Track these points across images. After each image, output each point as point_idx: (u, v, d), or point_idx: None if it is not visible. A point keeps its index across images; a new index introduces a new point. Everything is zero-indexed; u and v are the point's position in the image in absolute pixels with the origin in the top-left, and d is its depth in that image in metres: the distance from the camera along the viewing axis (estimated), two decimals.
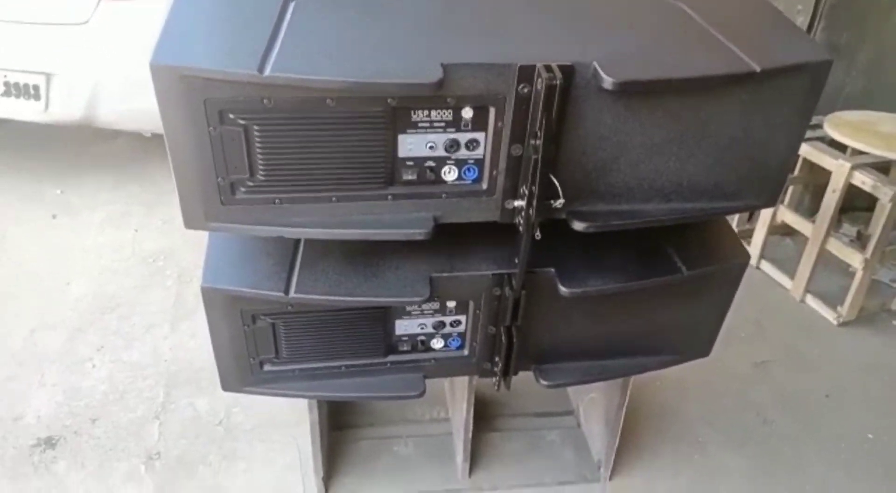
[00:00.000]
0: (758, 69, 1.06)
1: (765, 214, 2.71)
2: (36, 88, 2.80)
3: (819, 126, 2.51)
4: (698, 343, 1.51)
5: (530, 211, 1.12)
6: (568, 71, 1.02)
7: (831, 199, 2.39)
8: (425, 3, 1.19)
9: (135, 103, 2.79)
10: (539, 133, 1.05)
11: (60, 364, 2.17)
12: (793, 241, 2.90)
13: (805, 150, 2.47)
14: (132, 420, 1.97)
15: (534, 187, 1.10)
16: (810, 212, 2.74)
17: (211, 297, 1.23)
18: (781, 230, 2.84)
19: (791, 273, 2.62)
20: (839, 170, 2.34)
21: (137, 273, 2.62)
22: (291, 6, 1.10)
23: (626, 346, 1.46)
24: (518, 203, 1.15)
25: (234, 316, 1.27)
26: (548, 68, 1.01)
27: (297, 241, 1.28)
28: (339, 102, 1.01)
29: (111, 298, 2.48)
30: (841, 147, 2.45)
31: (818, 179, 2.62)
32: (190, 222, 1.12)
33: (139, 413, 1.99)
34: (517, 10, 1.19)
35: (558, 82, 1.00)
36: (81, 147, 3.47)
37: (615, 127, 1.09)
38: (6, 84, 2.79)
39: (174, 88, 0.97)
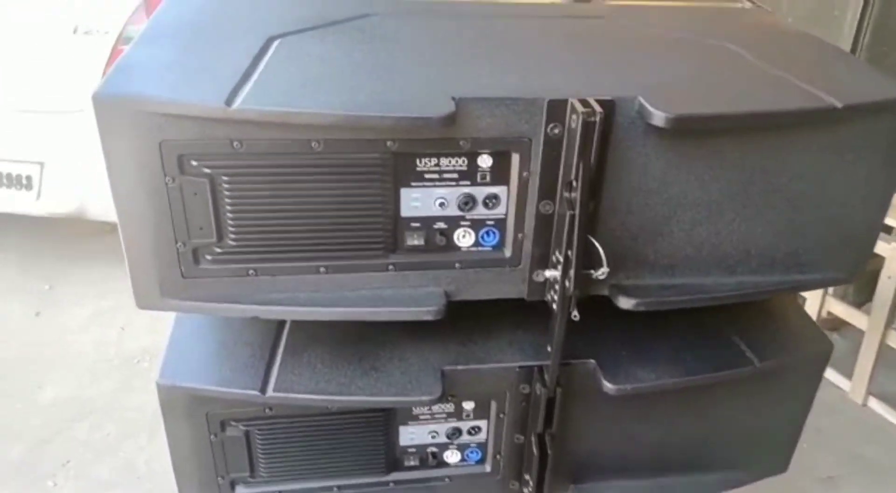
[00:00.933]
0: (839, 105, 0.87)
1: (810, 307, 2.45)
2: (29, 178, 2.69)
3: None
4: (772, 455, 1.22)
5: (566, 284, 0.90)
6: (608, 106, 0.82)
7: (887, 286, 2.14)
8: (434, 34, 1.03)
9: None
10: (576, 184, 0.84)
11: (18, 481, 1.88)
12: (841, 336, 2.62)
13: None
14: None
15: (570, 253, 0.88)
16: (858, 302, 2.48)
17: (169, 397, 0.99)
18: (829, 325, 2.57)
19: (847, 372, 2.32)
20: (893, 254, 2.12)
21: (118, 376, 2.37)
22: (275, 43, 0.94)
23: (683, 459, 1.18)
24: (550, 274, 0.93)
25: (198, 422, 1.02)
26: (584, 103, 0.82)
27: (279, 325, 1.05)
28: (326, 146, 0.82)
29: (86, 403, 2.22)
30: (888, 228, 2.23)
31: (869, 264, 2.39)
32: (143, 301, 0.90)
33: None
34: (541, 44, 1.02)
35: (598, 119, 0.80)
36: (73, 240, 3.33)
37: (666, 178, 0.89)
38: None
39: (122, 127, 0.78)
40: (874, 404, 2.25)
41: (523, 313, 1.02)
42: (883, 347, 2.20)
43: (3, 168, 2.65)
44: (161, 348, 2.72)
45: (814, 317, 2.42)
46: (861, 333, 2.27)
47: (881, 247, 2.17)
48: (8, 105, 2.58)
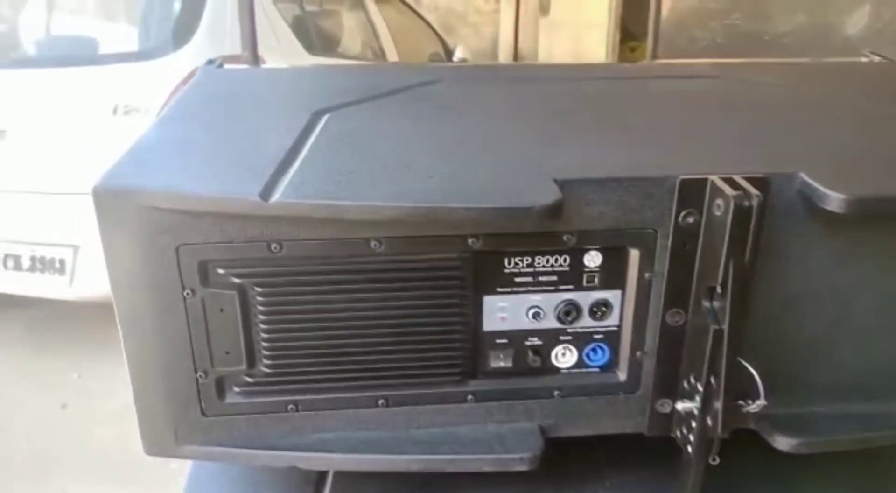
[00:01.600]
0: None
1: None
2: (62, 261, 2.58)
3: None
4: None
5: (707, 421, 0.67)
6: (763, 185, 0.62)
7: None
8: (513, 102, 0.85)
9: None
10: (723, 289, 0.63)
11: None
12: None
13: None
14: None
15: (713, 381, 0.65)
16: None
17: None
18: None
19: None
20: None
21: (143, 477, 2.16)
22: (323, 119, 0.77)
23: None
24: (682, 406, 0.70)
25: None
26: (731, 183, 0.61)
27: (319, 475, 0.84)
28: (389, 246, 0.63)
29: None
30: None
31: None
32: (153, 446, 0.71)
33: None
34: (648, 110, 0.83)
35: (755, 203, 0.59)
36: (105, 328, 3.20)
37: (837, 277, 0.67)
38: (32, 259, 2.58)
39: (129, 227, 0.61)
40: None
41: (637, 453, 0.79)
42: None
43: (37, 252, 2.56)
44: None
45: None
46: None
47: None
48: (44, 187, 2.51)
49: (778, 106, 0.86)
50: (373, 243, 0.63)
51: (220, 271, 0.63)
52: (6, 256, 2.62)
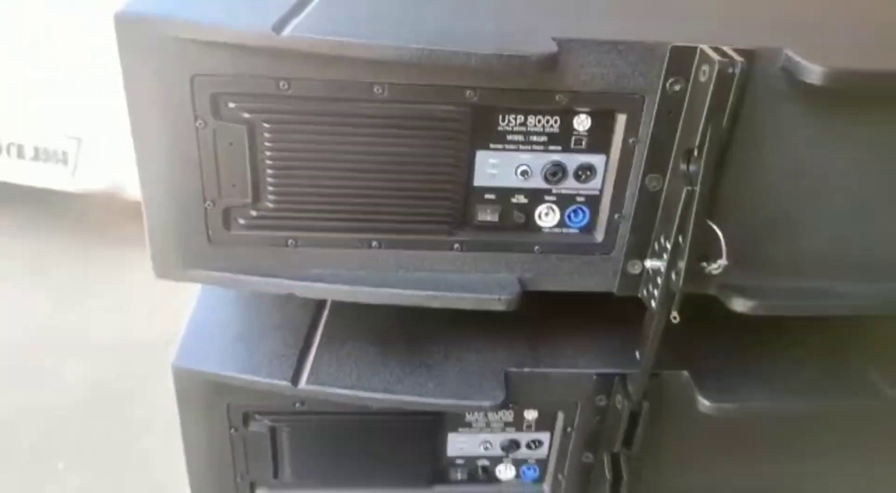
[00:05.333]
0: None
1: None
2: (65, 153, 2.62)
3: None
4: None
5: (672, 277, 0.73)
6: (749, 56, 0.65)
7: None
8: None
9: None
10: (699, 152, 0.67)
11: (26, 472, 1.78)
12: None
13: None
14: None
15: (682, 239, 0.71)
16: None
17: (186, 383, 0.85)
18: None
19: None
20: None
21: (142, 361, 2.25)
22: None
23: None
24: (651, 264, 0.76)
25: (217, 413, 0.88)
26: (719, 51, 0.65)
27: (318, 307, 0.91)
28: (391, 92, 0.67)
29: (105, 388, 2.11)
30: None
31: None
32: (162, 270, 0.77)
33: None
34: None
35: (738, 71, 0.63)
36: (108, 222, 3.26)
37: (812, 152, 0.71)
38: (35, 149, 2.62)
39: (148, 55, 0.65)
40: None
41: (606, 313, 0.86)
42: None
43: (39, 142, 2.58)
44: None
45: None
46: None
47: None
48: (46, 79, 2.51)
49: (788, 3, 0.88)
50: (376, 88, 0.67)
51: (231, 105, 0.67)
52: (10, 144, 2.65)
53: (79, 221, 3.21)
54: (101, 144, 2.62)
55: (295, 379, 0.83)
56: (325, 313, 0.91)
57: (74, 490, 1.70)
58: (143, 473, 1.77)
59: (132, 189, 2.68)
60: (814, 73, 0.64)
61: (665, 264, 0.73)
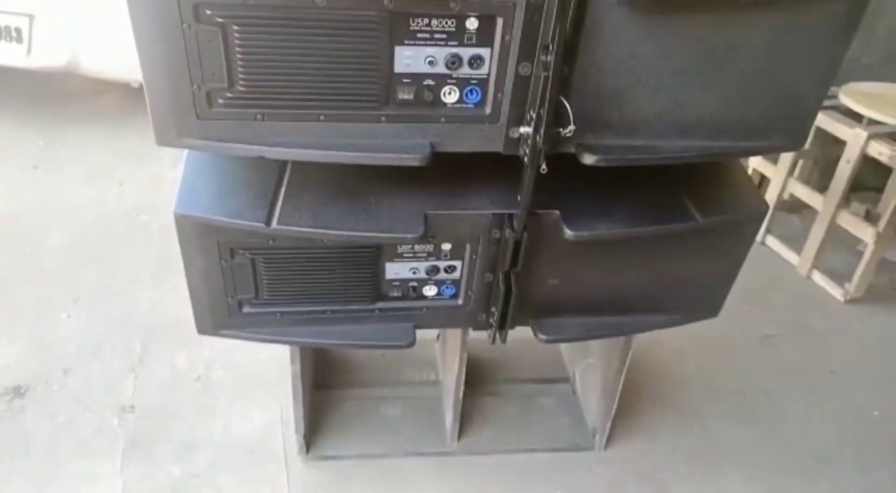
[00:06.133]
0: None
1: (773, 188, 2.61)
2: (18, 30, 2.68)
3: (834, 96, 2.41)
4: (708, 301, 1.41)
5: (537, 138, 1.02)
6: None
7: (845, 170, 2.29)
8: None
9: (121, 51, 2.67)
10: (551, 47, 0.94)
11: (34, 314, 2.07)
12: (799, 218, 2.81)
13: (819, 119, 2.37)
14: (107, 373, 1.87)
15: (542, 111, 0.99)
16: (820, 188, 2.64)
17: (185, 225, 1.13)
18: (788, 207, 2.75)
19: (797, 250, 2.53)
20: (855, 139, 2.25)
21: (119, 227, 2.51)
22: None
23: (632, 301, 1.36)
24: (524, 130, 1.05)
25: (210, 249, 1.17)
26: None
27: (282, 169, 1.18)
28: (328, 2, 0.91)
29: (91, 250, 2.37)
30: (856, 117, 2.35)
31: (829, 153, 2.52)
32: (162, 138, 1.01)
33: (114, 366, 1.90)
34: None
35: None
36: (67, 98, 3.35)
37: (635, 47, 0.99)
38: None
39: None
40: (817, 277, 2.47)
41: (499, 170, 1.15)
42: (832, 226, 2.38)
43: None
44: (158, 203, 2.87)
45: (775, 198, 2.59)
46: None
47: (844, 132, 2.30)
48: None
49: None
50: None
51: (208, 11, 0.90)
52: None
53: (36, 99, 3.30)
54: (53, 21, 2.67)
55: (268, 221, 1.11)
56: (287, 172, 1.18)
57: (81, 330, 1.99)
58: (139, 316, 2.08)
59: (88, 65, 2.78)
60: None
61: (532, 129, 1.02)
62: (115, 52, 2.70)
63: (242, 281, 1.22)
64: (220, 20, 0.91)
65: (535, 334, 1.34)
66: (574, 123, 1.01)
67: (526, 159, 1.06)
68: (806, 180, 2.73)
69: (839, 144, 2.33)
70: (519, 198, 1.14)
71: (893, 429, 1.90)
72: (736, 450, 1.79)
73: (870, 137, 2.20)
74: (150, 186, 2.75)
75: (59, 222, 2.50)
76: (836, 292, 2.39)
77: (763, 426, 1.87)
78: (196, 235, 1.14)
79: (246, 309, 1.26)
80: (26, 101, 3.30)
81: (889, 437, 1.87)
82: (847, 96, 2.35)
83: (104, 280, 2.23)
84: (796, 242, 2.56)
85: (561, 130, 1.02)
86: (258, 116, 1.00)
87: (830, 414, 1.93)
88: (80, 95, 3.37)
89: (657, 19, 0.97)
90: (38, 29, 2.69)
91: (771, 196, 2.61)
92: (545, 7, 0.94)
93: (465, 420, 1.74)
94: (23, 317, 2.04)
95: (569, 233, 1.16)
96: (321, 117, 1.01)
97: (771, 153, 2.53)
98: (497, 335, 1.34)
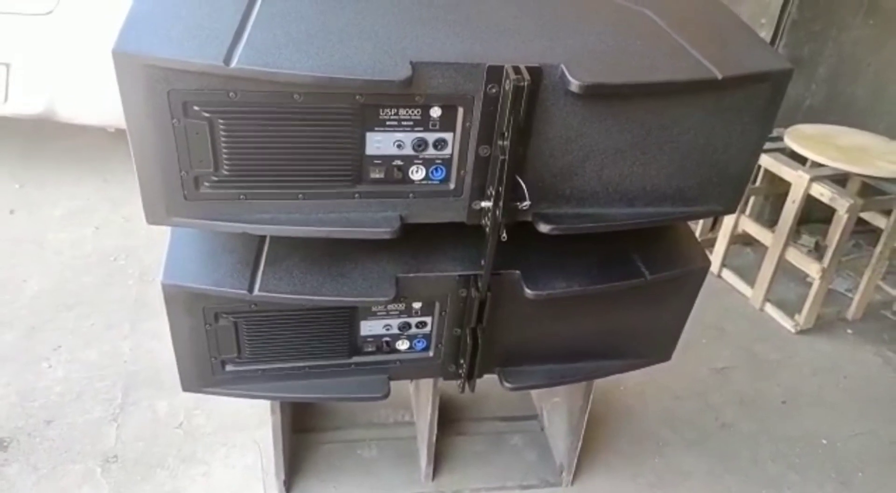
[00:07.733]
0: (720, 76, 1.09)
1: (727, 224, 2.77)
2: None
3: (780, 138, 2.58)
4: (660, 347, 1.53)
5: (497, 212, 1.13)
6: (536, 72, 1.03)
7: (791, 209, 2.45)
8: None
9: (98, 98, 2.74)
10: (506, 134, 1.05)
11: (14, 363, 2.10)
12: (753, 250, 2.97)
13: (766, 161, 2.53)
14: (89, 422, 1.92)
15: (500, 188, 1.10)
16: (770, 222, 2.80)
17: (172, 294, 1.21)
18: (742, 240, 2.90)
19: (751, 282, 2.67)
20: (798, 181, 2.41)
21: (97, 271, 2.56)
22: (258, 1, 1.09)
23: (590, 349, 1.47)
24: (485, 204, 1.15)
25: (195, 314, 1.25)
26: (516, 70, 1.02)
27: (262, 238, 1.27)
28: (306, 98, 1.01)
29: (69, 296, 2.41)
30: (801, 159, 2.51)
31: (778, 189, 2.69)
32: (152, 218, 1.10)
33: (96, 415, 1.94)
34: (487, 8, 1.19)
35: (526, 84, 1.00)
36: (43, 142, 3.39)
37: (581, 130, 1.11)
38: None
39: (137, 78, 0.95)
40: (769, 308, 2.61)
41: (463, 235, 1.25)
42: (782, 260, 2.53)
43: None
44: (135, 246, 2.92)
45: (728, 234, 2.74)
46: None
47: (789, 174, 2.46)
48: None
49: (576, 9, 1.23)
50: (295, 96, 1.00)
51: (196, 108, 1.00)
52: None
53: (12, 141, 3.33)
54: (30, 69, 2.73)
55: (250, 288, 1.20)
56: (267, 243, 1.27)
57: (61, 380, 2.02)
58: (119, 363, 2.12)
59: (65, 112, 2.83)
60: (574, 85, 1.02)
61: (492, 203, 1.13)
62: (92, 99, 2.76)
63: (226, 342, 1.30)
64: (206, 115, 1.00)
65: (502, 383, 1.43)
66: (529, 198, 1.12)
67: (487, 229, 1.17)
68: (758, 215, 2.90)
69: (786, 183, 2.49)
70: (482, 262, 1.24)
71: (840, 456, 2.03)
72: (693, 478, 1.91)
73: (812, 180, 2.36)
74: (126, 229, 2.81)
75: (36, 269, 2.54)
76: (787, 323, 2.54)
77: (718, 455, 1.99)
78: (183, 302, 1.22)
79: (229, 367, 1.34)
80: (1, 144, 3.33)
81: (835, 464, 2.00)
82: (791, 140, 2.52)
83: (83, 327, 2.28)
84: (750, 274, 2.71)
85: (518, 203, 1.13)
86: (241, 196, 1.09)
87: (781, 442, 2.05)
88: (56, 138, 3.41)
89: (599, 107, 1.09)
90: (14, 77, 2.74)
91: (725, 231, 2.76)
92: (500, 98, 1.05)
93: (439, 459, 1.83)
94: (3, 368, 2.08)
95: (528, 292, 1.27)
96: (300, 196, 1.11)
97: (708, 217, 2.67)
98: (466, 384, 1.43)
